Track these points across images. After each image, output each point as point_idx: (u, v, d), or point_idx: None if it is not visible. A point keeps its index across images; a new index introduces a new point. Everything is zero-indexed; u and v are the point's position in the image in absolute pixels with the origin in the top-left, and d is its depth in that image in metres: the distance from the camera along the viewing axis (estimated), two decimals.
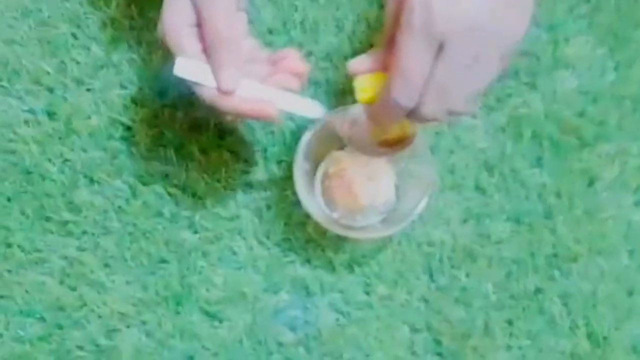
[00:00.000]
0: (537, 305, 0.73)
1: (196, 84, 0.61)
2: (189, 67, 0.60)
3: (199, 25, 0.60)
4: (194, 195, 0.74)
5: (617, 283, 0.74)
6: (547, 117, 0.77)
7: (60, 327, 0.73)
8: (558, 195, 0.76)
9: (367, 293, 0.73)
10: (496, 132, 0.77)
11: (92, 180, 0.75)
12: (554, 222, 0.75)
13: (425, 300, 0.73)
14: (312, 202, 0.72)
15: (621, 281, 0.74)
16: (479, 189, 0.76)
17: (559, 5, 0.81)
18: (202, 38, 0.60)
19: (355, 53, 0.79)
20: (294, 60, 0.64)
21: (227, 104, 0.61)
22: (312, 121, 0.68)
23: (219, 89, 0.60)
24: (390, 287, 0.73)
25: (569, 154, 0.76)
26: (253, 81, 0.62)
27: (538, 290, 0.74)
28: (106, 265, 0.73)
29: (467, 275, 0.74)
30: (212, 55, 0.60)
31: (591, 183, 0.76)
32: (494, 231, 0.75)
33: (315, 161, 0.75)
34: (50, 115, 0.76)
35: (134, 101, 0.76)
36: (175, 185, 0.75)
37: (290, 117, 0.76)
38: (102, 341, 0.73)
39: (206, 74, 0.60)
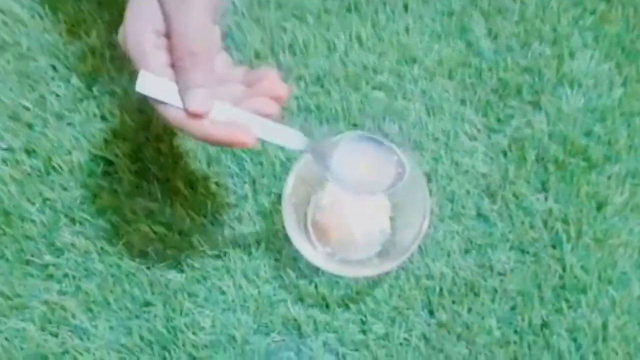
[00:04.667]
0: (543, 340, 0.69)
1: (161, 102, 0.54)
2: (154, 84, 0.54)
3: (168, 35, 0.54)
4: (179, 232, 0.71)
5: (629, 315, 0.69)
6: (551, 138, 0.73)
7: None
8: (565, 221, 0.71)
9: (364, 332, 0.70)
10: (498, 155, 0.73)
11: (73, 221, 0.71)
12: (561, 251, 0.71)
13: (426, 339, 0.69)
14: (302, 238, 0.68)
15: (633, 313, 0.69)
16: (480, 217, 0.72)
17: (563, 16, 0.77)
18: (169, 50, 0.54)
19: (348, 76, 0.75)
20: (273, 81, 0.57)
21: (195, 127, 0.55)
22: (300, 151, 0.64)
23: (187, 111, 0.54)
24: (387, 325, 0.69)
25: (576, 177, 0.72)
26: (226, 104, 0.56)
27: (545, 325, 0.69)
28: (89, 310, 0.69)
29: (469, 311, 0.70)
30: (181, 72, 0.54)
31: (600, 208, 0.72)
32: (497, 262, 0.71)
33: (307, 193, 0.71)
34: (29, 152, 0.73)
35: (115, 135, 0.73)
36: (160, 223, 0.71)
37: (281, 147, 0.73)
38: None
39: (174, 93, 0.54)
